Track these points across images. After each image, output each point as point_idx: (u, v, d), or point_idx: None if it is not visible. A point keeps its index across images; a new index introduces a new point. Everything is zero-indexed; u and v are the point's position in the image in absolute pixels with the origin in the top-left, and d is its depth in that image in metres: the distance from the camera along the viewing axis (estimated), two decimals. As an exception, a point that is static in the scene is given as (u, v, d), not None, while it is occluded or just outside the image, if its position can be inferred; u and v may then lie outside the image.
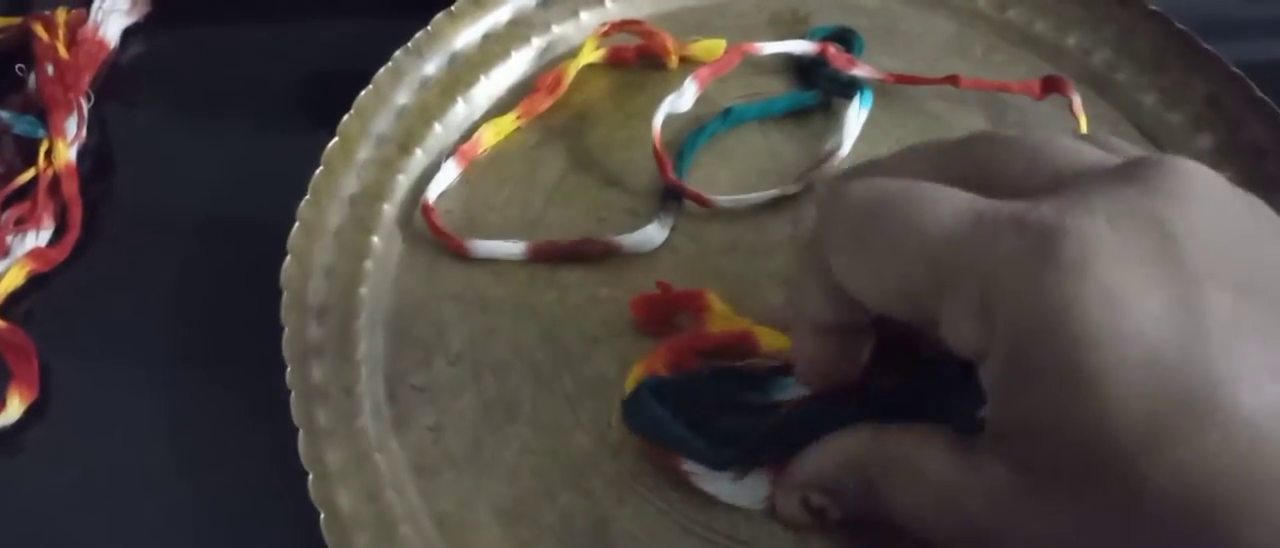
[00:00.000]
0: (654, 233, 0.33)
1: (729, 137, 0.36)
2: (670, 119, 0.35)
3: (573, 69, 0.36)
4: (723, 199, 0.34)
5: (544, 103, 0.36)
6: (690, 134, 0.35)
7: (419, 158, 0.36)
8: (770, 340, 0.30)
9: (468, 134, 0.36)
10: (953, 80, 0.35)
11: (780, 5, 0.39)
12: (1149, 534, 0.19)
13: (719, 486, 0.28)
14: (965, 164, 0.23)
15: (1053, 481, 0.20)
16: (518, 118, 0.36)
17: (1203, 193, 0.20)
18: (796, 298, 0.25)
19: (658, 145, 0.34)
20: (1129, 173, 0.21)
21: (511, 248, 0.33)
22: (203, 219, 0.36)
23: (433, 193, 0.34)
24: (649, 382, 0.28)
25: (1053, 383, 0.19)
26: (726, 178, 0.35)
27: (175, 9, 0.41)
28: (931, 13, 0.39)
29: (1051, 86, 0.35)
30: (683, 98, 0.35)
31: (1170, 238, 0.19)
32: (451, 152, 0.35)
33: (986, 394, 0.21)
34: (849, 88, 0.36)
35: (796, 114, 0.36)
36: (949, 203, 0.21)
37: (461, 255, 0.33)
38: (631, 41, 0.38)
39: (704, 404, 0.28)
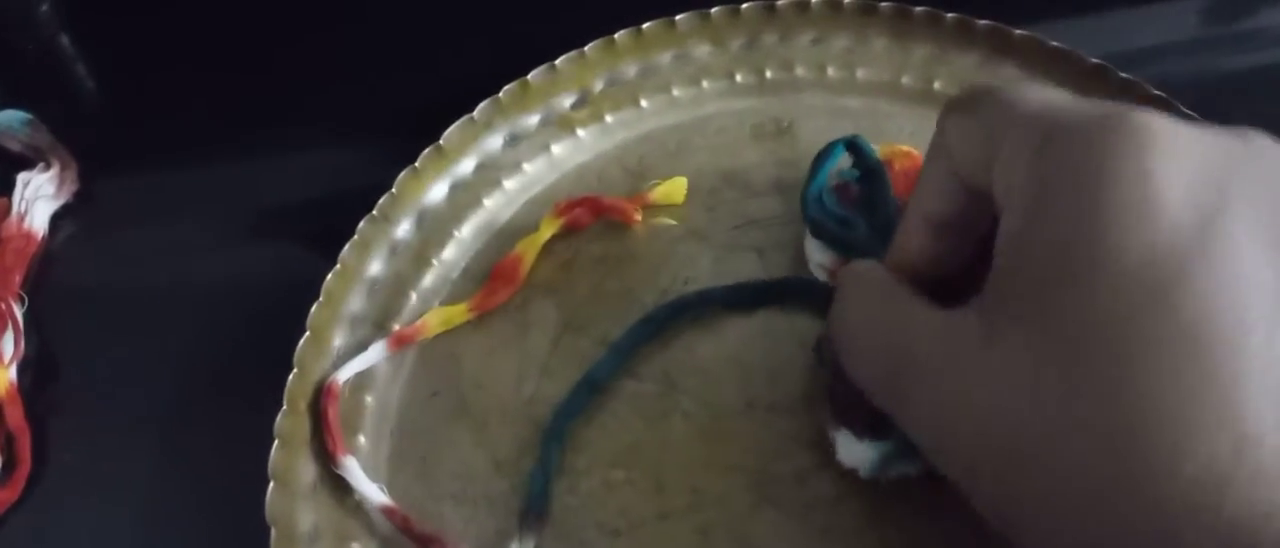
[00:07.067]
0: None
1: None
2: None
3: (531, 254, 0.33)
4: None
5: (502, 295, 0.33)
6: (556, 413, 0.31)
7: (397, 335, 0.33)
8: None
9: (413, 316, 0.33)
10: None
11: (762, 116, 0.37)
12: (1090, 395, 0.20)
13: (854, 452, 0.28)
14: None
15: (1020, 327, 0.22)
16: (470, 310, 0.33)
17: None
18: (916, 193, 0.27)
19: None
20: (1218, 128, 0.22)
21: (375, 495, 0.29)
22: (165, 424, 0.33)
23: (344, 374, 0.31)
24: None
25: (1060, 229, 0.21)
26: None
27: (106, 182, 0.38)
28: (922, 107, 0.37)
29: None
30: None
31: (1228, 172, 0.21)
32: (387, 332, 0.32)
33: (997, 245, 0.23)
34: None
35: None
36: (1049, 92, 0.24)
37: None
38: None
39: None
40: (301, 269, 0.33)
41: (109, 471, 0.32)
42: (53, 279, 0.36)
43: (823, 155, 0.33)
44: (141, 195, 0.38)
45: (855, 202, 0.33)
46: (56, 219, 0.37)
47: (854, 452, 0.28)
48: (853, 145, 0.33)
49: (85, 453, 0.32)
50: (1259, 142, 0.22)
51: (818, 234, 0.32)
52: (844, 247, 0.32)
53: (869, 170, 0.33)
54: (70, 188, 0.37)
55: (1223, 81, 0.40)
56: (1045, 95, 0.24)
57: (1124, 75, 0.35)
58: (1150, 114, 0.22)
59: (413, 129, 0.36)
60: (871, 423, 0.28)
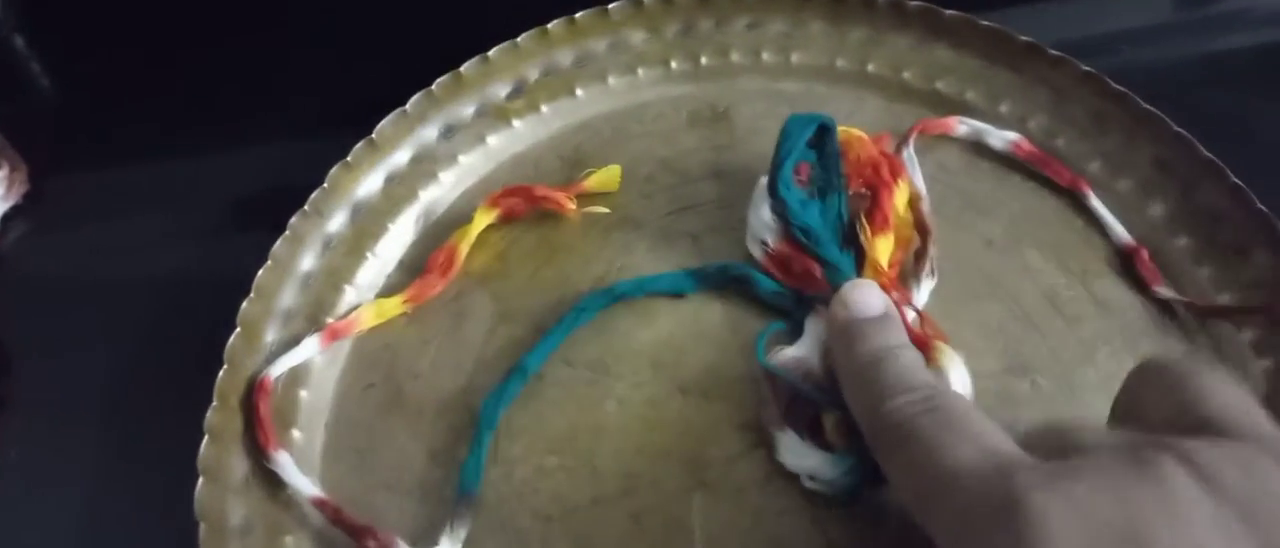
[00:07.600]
0: None
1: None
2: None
3: (465, 244, 0.34)
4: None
5: (436, 286, 0.33)
6: (488, 399, 0.31)
7: (333, 328, 0.33)
8: None
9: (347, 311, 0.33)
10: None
11: (698, 103, 0.37)
12: None
13: (804, 459, 0.28)
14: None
15: None
16: (405, 302, 0.33)
17: (1203, 515, 0.19)
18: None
19: None
20: (1149, 460, 0.20)
21: (306, 488, 0.29)
22: (108, 420, 0.33)
23: (277, 369, 0.31)
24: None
25: None
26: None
27: (55, 181, 0.38)
28: (857, 90, 0.37)
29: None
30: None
31: None
32: (321, 327, 0.32)
33: None
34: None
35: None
36: (975, 442, 0.22)
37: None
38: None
39: None
40: (245, 265, 0.33)
41: (52, 466, 0.32)
42: (2, 279, 0.36)
43: (793, 132, 0.32)
44: (90, 195, 0.39)
45: (806, 183, 0.33)
46: (6, 220, 0.37)
47: (804, 459, 0.28)
48: (824, 128, 0.33)
49: (29, 449, 0.32)
50: (1188, 488, 0.20)
51: (778, 212, 0.32)
52: (800, 232, 0.32)
53: (825, 158, 0.32)
54: (20, 189, 0.37)
55: (1189, 67, 0.40)
56: (959, 443, 0.22)
57: (1080, 65, 0.35)
58: (1046, 500, 0.20)
59: (355, 124, 0.36)
60: (816, 427, 0.28)
